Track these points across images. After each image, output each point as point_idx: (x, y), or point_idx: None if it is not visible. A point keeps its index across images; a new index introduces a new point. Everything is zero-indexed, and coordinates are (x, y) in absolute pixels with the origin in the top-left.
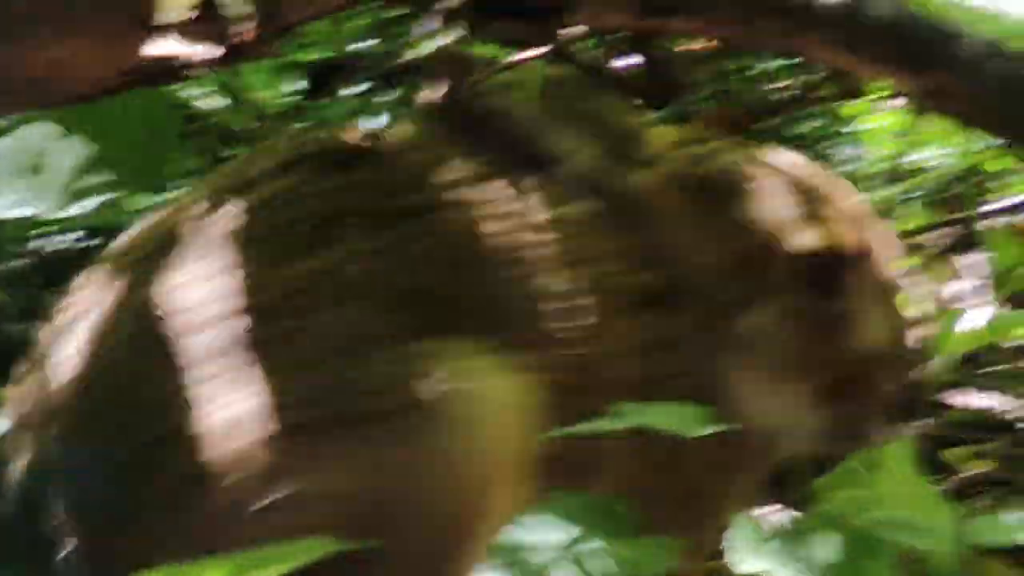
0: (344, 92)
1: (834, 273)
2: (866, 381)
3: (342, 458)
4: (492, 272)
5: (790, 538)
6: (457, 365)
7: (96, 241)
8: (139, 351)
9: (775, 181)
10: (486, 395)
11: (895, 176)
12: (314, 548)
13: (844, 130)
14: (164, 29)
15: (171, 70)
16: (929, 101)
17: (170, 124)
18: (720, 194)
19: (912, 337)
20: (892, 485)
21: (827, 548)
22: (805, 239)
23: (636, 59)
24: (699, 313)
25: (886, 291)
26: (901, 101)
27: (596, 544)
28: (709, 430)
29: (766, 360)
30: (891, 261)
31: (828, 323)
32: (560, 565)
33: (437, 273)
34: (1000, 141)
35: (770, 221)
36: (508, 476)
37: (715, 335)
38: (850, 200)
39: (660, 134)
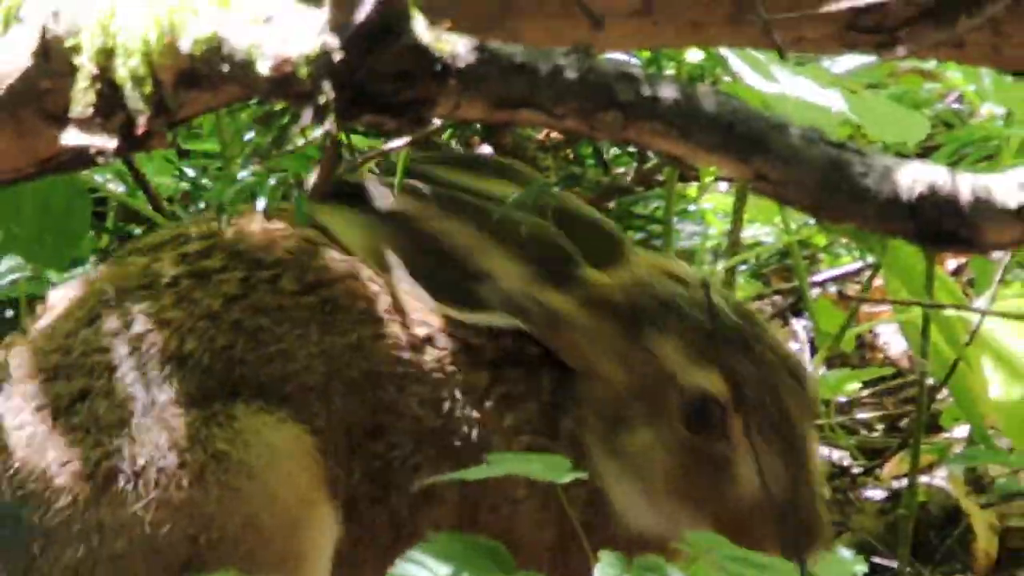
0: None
1: (718, 417)
2: (746, 531)
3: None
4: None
5: (646, 572)
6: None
7: (10, 313)
8: None
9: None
10: (271, 445)
11: (730, 250)
12: None
13: (686, 208)
14: (69, 123)
15: (83, 159)
16: (753, 185)
17: (82, 208)
18: (635, 322)
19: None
20: None
21: None
22: (699, 379)
23: (487, 148)
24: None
25: (786, 444)
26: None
27: None
28: (569, 478)
29: (643, 477)
30: (803, 414)
31: (707, 462)
32: None
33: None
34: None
35: (672, 357)
36: (294, 507)
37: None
38: (777, 347)
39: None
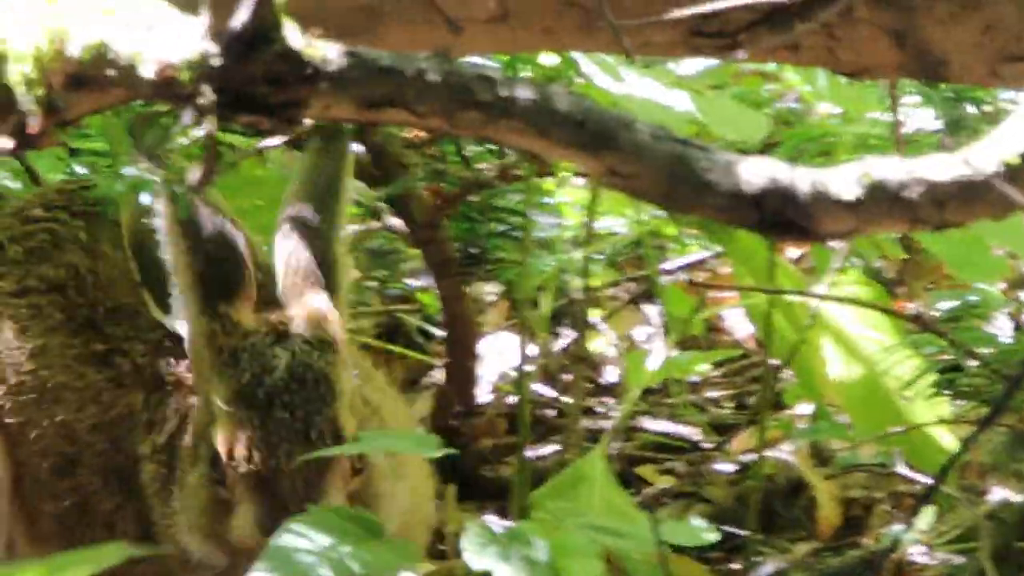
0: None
1: (221, 468)
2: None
3: None
4: None
5: (511, 541)
6: None
7: None
8: None
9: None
10: None
11: (586, 240)
12: (113, 553)
13: (544, 201)
14: None
15: None
16: (605, 179)
17: None
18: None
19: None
20: (595, 497)
21: (541, 549)
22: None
23: (359, 146)
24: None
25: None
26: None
27: (347, 549)
28: (440, 454)
29: (186, 512)
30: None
31: (219, 504)
32: (321, 565)
33: None
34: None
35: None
36: None
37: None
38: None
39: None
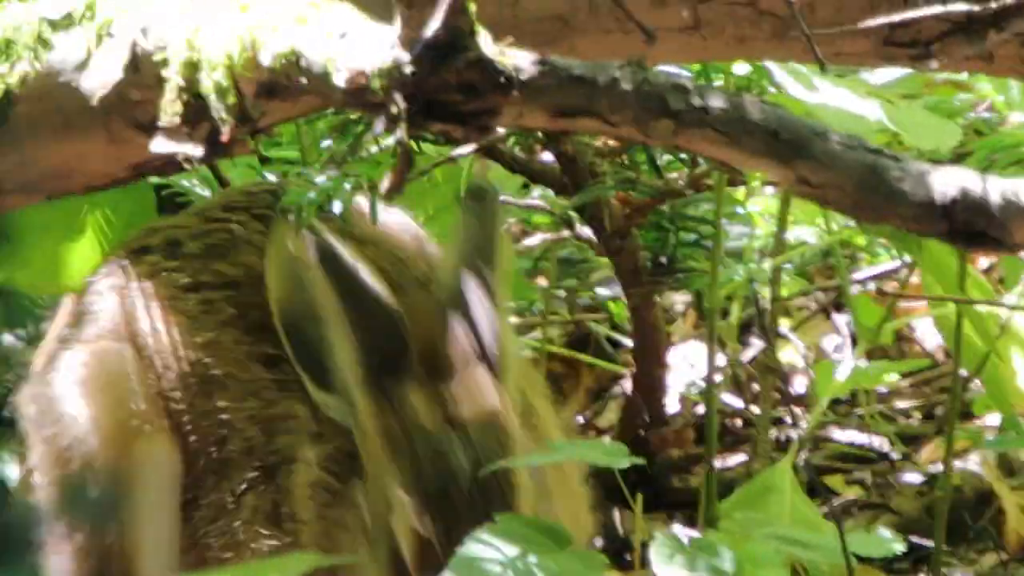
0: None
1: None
2: None
3: None
4: None
5: (698, 551)
6: None
7: None
8: None
9: None
10: None
11: (776, 249)
12: (301, 562)
13: (734, 211)
14: (157, 131)
15: (171, 165)
16: (796, 189)
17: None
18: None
19: None
20: (783, 507)
21: (728, 560)
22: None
23: (549, 155)
24: None
25: None
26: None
27: (533, 558)
28: (626, 463)
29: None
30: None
31: None
32: (508, 575)
33: None
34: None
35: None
36: None
37: None
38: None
39: None
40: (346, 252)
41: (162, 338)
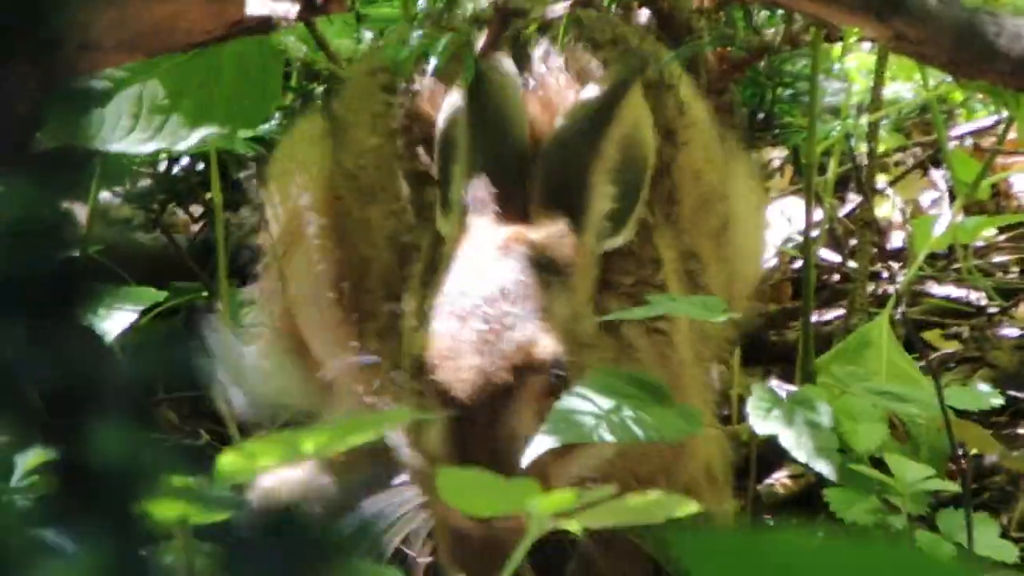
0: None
1: None
2: None
3: None
4: None
5: (796, 405)
6: None
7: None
8: None
9: None
10: None
11: (873, 105)
12: (397, 416)
13: (831, 67)
14: None
15: (268, 24)
16: (892, 44)
17: (275, 68)
18: None
19: None
20: (880, 361)
21: (826, 414)
22: None
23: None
24: None
25: None
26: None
27: (630, 412)
28: (723, 317)
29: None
30: None
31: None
32: (603, 428)
33: None
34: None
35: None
36: None
37: None
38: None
39: None
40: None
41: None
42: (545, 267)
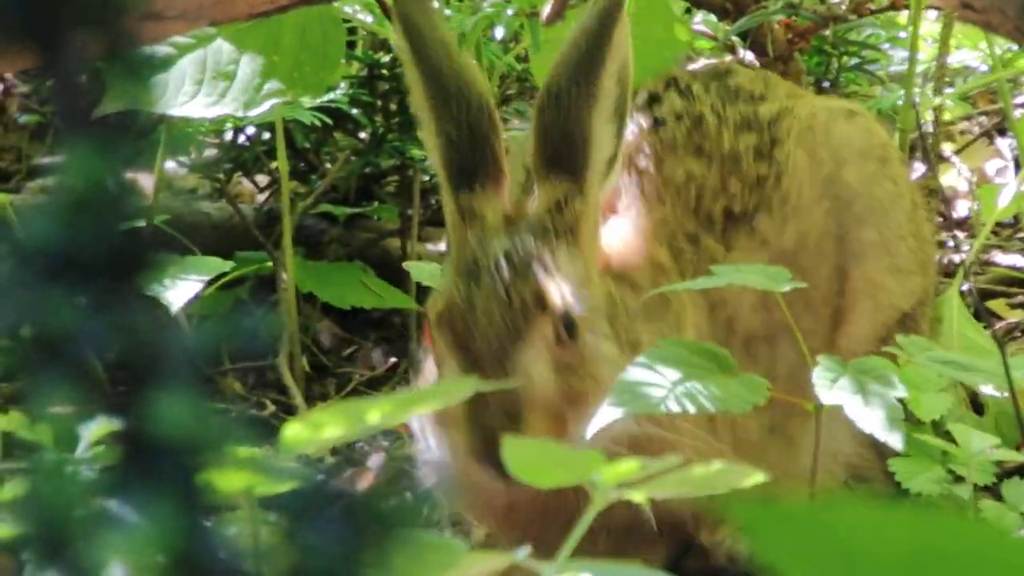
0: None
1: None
2: None
3: None
4: None
5: (862, 375)
6: None
7: (267, 135)
8: None
9: None
10: None
11: (938, 74)
12: (462, 388)
13: (897, 35)
14: None
15: None
16: (958, 13)
17: (337, 36)
18: None
19: None
20: (950, 332)
21: (893, 384)
22: None
23: None
24: None
25: None
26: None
27: (695, 383)
28: (788, 287)
29: None
30: None
31: None
32: (670, 399)
33: None
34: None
35: None
36: None
37: None
38: None
39: None
40: None
41: None
42: (550, 233)
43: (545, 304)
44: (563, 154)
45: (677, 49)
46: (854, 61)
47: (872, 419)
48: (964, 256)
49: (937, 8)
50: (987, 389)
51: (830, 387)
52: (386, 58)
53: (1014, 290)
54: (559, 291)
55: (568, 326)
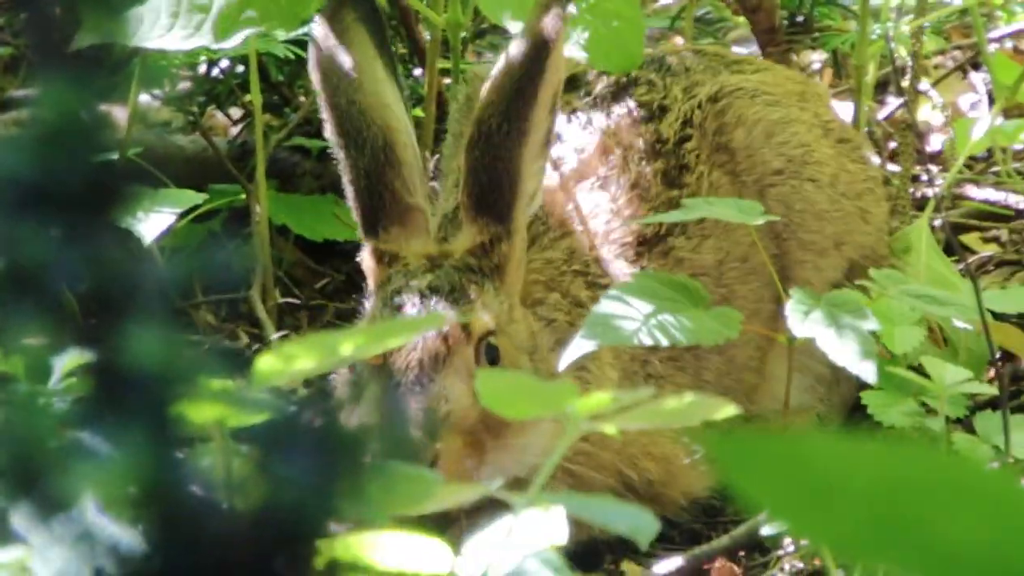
0: None
1: None
2: None
3: None
4: None
5: (834, 308)
6: None
7: (241, 68)
8: None
9: None
10: None
11: (915, 8)
12: (433, 320)
13: None
14: None
15: None
16: None
17: None
18: None
19: None
20: (919, 265)
21: (864, 316)
22: None
23: None
24: None
25: None
26: None
27: (668, 316)
28: (761, 220)
29: None
30: None
31: None
32: (642, 332)
33: None
34: None
35: None
36: None
37: None
38: None
39: None
40: None
41: None
42: (476, 273)
43: (470, 332)
44: (491, 196)
45: (640, 38)
46: None
47: (845, 351)
48: (937, 190)
49: None
50: (958, 323)
51: (803, 319)
52: None
53: (987, 224)
54: (482, 321)
55: (490, 355)
